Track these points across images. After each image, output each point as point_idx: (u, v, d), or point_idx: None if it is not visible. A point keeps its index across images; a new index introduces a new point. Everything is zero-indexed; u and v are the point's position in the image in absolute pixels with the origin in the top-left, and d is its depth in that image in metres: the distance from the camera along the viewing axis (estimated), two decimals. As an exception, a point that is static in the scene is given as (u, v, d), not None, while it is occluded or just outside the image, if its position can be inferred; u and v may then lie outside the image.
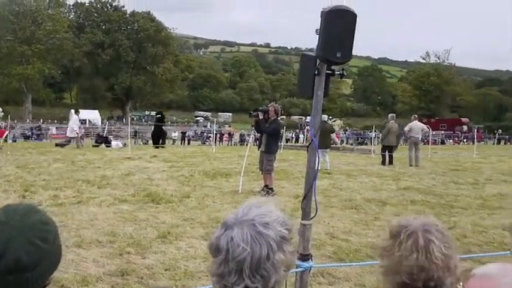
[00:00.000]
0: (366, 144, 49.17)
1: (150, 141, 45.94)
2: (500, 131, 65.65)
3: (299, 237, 3.80)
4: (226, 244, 1.68)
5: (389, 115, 21.37)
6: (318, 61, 3.78)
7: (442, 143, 60.06)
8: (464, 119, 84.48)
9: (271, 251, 1.69)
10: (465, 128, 78.48)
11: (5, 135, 24.46)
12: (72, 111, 26.24)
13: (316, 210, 3.89)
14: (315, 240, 7.60)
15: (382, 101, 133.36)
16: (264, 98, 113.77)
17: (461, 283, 1.86)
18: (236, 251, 1.66)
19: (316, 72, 3.78)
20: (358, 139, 58.85)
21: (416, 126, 20.76)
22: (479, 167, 19.15)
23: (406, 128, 21.40)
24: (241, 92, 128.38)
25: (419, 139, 20.56)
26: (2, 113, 28.01)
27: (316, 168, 3.79)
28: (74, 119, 25.52)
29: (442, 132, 70.13)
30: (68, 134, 25.83)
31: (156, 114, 29.99)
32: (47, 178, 12.89)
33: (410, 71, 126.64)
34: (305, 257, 3.79)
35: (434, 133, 53.93)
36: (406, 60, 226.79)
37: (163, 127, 29.36)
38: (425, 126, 21.10)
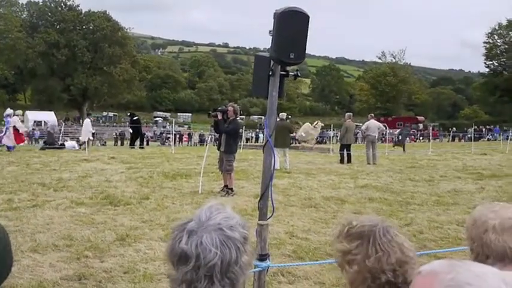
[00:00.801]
0: (325, 142, 49.65)
1: (109, 143, 45.34)
2: (454, 128, 67.23)
3: (257, 238, 3.83)
4: (196, 250, 1.65)
5: (347, 114, 21.69)
6: (271, 62, 3.81)
7: (398, 140, 61.16)
8: (419, 117, 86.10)
9: (239, 253, 1.70)
10: (421, 126, 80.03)
11: None
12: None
13: (273, 211, 3.92)
14: (275, 239, 7.67)
15: (340, 100, 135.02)
16: (224, 98, 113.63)
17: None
18: (208, 256, 1.65)
19: (270, 73, 3.81)
20: (317, 138, 59.26)
21: (373, 125, 21.09)
22: (435, 164, 19.61)
23: (363, 127, 21.73)
24: (201, 92, 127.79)
25: (376, 137, 20.88)
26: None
27: (272, 168, 3.82)
28: (87, 123, 25.55)
29: (398, 130, 71.53)
30: (83, 138, 25.46)
31: (131, 115, 30.07)
32: (0, 182, 12.58)
33: (367, 70, 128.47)
34: (263, 257, 3.82)
35: (390, 131, 54.85)
36: (363, 60, 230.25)
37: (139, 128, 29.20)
38: (381, 125, 21.50)
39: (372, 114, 22.30)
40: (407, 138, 65.35)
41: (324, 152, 29.32)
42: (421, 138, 64.88)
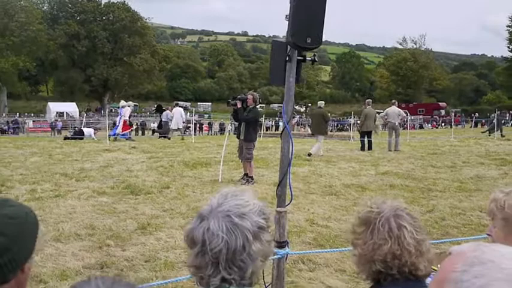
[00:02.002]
0: (346, 130, 49.40)
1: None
2: (477, 114, 66.56)
3: (275, 225, 3.81)
4: (202, 235, 1.68)
5: (366, 101, 21.54)
6: (288, 47, 3.76)
7: (421, 127, 60.58)
8: (442, 104, 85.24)
9: (247, 242, 1.69)
10: (443, 112, 79.20)
11: None
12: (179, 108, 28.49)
13: (291, 198, 3.89)
14: (295, 227, 7.67)
15: (360, 87, 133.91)
16: (243, 87, 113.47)
17: (438, 265, 1.89)
18: (213, 242, 1.66)
19: (287, 59, 3.77)
20: (337, 125, 59.01)
21: (392, 112, 20.92)
22: (457, 150, 19.38)
23: (382, 114, 21.58)
24: (220, 81, 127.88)
25: (396, 124, 20.68)
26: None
27: (290, 154, 3.79)
28: (178, 111, 27.56)
29: (421, 117, 70.70)
30: (174, 126, 27.30)
31: (158, 107, 31.03)
32: (23, 172, 12.74)
33: (387, 56, 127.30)
34: (281, 244, 3.80)
35: (412, 118, 54.28)
36: (383, 46, 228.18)
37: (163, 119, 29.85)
38: (402, 111, 21.16)
39: (395, 101, 22.07)
40: (429, 125, 64.81)
41: (344, 139, 29.17)
42: (443, 124, 64.22)
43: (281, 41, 3.92)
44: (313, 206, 9.22)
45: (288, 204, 3.90)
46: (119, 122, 25.50)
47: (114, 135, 24.68)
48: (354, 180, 12.08)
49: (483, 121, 62.52)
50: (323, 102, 19.77)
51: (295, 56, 3.85)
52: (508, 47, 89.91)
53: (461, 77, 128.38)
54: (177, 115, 27.33)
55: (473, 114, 65.00)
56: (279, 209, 3.85)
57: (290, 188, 3.80)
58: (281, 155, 3.88)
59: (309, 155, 17.18)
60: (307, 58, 3.98)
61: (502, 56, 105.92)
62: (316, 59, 4.10)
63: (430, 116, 72.43)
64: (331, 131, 51.31)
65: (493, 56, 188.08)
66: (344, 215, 8.54)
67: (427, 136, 31.14)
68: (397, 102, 22.11)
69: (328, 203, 9.53)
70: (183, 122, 29.21)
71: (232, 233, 1.67)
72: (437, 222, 8.04)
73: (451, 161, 15.67)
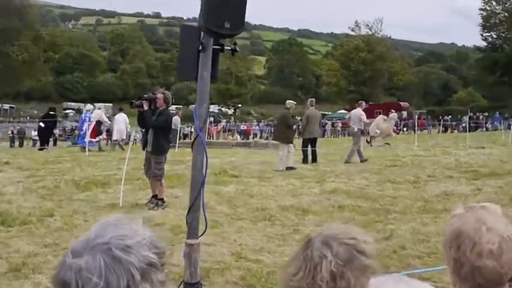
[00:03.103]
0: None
1: (3, 143, 44.41)
2: (446, 116, 68.58)
3: (185, 262, 3.76)
4: (74, 277, 1.59)
5: (309, 100, 21.79)
6: (201, 33, 3.73)
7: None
8: (403, 103, 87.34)
9: (133, 283, 1.63)
10: (404, 114, 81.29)
11: None
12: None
13: (206, 225, 3.85)
14: (217, 263, 7.63)
15: (303, 83, 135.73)
16: (154, 83, 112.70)
17: None
18: (87, 285, 1.59)
19: (200, 48, 3.73)
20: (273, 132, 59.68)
21: (354, 115, 21.39)
22: (421, 162, 19.93)
23: (347, 116, 22.18)
24: (124, 76, 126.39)
25: (355, 130, 21.11)
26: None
27: (204, 170, 3.76)
28: (122, 118, 28.75)
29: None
30: (116, 136, 28.81)
31: (49, 110, 31.53)
32: None
33: (337, 45, 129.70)
34: (192, 287, 3.75)
35: (368, 121, 55.55)
36: (332, 33, 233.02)
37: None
38: (363, 115, 21.51)
39: (361, 102, 22.65)
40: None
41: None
42: (404, 129, 66.05)
43: (192, 26, 3.88)
44: (242, 235, 9.22)
45: (202, 234, 3.85)
46: (85, 129, 26.92)
47: (83, 143, 26.02)
48: (294, 200, 12.19)
49: (453, 125, 64.71)
50: (292, 102, 20.01)
51: (211, 44, 3.82)
52: (481, 35, 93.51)
53: (426, 71, 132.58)
54: (120, 124, 28.15)
55: (441, 117, 67.00)
56: (189, 240, 3.81)
57: (204, 212, 3.76)
58: (192, 171, 3.84)
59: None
60: (226, 47, 3.96)
61: (474, 46, 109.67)
62: (238, 49, 4.09)
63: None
64: (266, 138, 51.90)
65: (464, 45, 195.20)
66: (280, 245, 8.58)
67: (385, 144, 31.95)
68: (364, 104, 22.45)
69: (261, 230, 9.56)
70: (127, 132, 30.15)
71: (113, 272, 1.61)
72: (395, 251, 8.19)
73: (413, 175, 16.07)
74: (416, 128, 38.13)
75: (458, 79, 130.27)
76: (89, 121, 27.22)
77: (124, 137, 28.75)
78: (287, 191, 13.57)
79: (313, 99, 21.92)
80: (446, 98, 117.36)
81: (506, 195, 12.56)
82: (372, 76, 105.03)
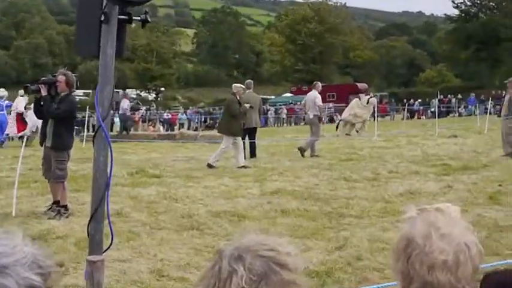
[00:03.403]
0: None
1: None
2: (412, 100, 69.20)
3: (86, 283, 3.71)
4: None
5: (246, 82, 21.74)
6: (104, 1, 3.67)
7: (331, 120, 62.28)
8: (361, 85, 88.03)
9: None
10: (362, 97, 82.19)
11: None
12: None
13: (112, 238, 3.80)
14: (134, 283, 7.58)
15: (241, 61, 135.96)
16: (57, 62, 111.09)
17: None
18: None
19: (102, 19, 3.67)
20: (205, 121, 59.60)
21: (309, 98, 21.52)
22: (381, 155, 20.21)
23: (303, 101, 22.29)
24: (19, 54, 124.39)
25: (311, 117, 21.21)
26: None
27: (109, 169, 3.71)
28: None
29: (331, 105, 72.88)
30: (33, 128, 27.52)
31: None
32: None
33: (281, 15, 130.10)
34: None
35: (323, 105, 55.67)
36: (274, 0, 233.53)
37: None
38: (318, 98, 21.47)
39: (317, 82, 22.52)
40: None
41: (215, 141, 29.40)
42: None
43: (92, -9, 3.82)
44: (163, 248, 9.17)
45: (107, 249, 3.81)
46: (8, 119, 27.02)
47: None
48: (227, 205, 12.19)
49: (421, 110, 65.61)
50: (239, 85, 19.70)
51: (115, 14, 3.76)
52: (453, 1, 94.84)
53: (388, 46, 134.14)
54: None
55: (406, 100, 67.80)
56: (92, 257, 3.75)
57: (109, 223, 3.71)
58: (94, 171, 3.78)
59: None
60: (135, 18, 3.92)
61: (445, 15, 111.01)
62: (149, 18, 4.04)
63: (344, 104, 74.74)
64: (195, 129, 51.85)
65: (432, 14, 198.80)
66: (210, 259, 8.53)
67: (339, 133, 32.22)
68: (320, 85, 22.34)
69: (187, 242, 9.53)
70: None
71: None
72: (350, 263, 8.27)
73: (372, 171, 16.29)
74: (376, 115, 38.19)
75: (426, 55, 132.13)
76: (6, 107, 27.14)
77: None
78: (219, 193, 13.56)
79: (251, 81, 21.82)
80: (412, 78, 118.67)
81: (481, 193, 12.82)
82: (323, 52, 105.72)
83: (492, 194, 12.52)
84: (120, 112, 33.47)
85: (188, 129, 53.81)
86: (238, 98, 18.95)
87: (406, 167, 16.87)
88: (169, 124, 58.88)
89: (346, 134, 31.36)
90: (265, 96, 74.60)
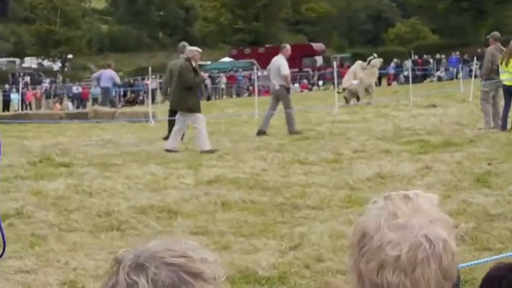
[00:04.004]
0: (142, 102, 49.87)
1: None
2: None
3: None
4: None
5: (180, 45, 21.74)
6: None
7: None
8: (316, 45, 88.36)
9: None
10: (319, 60, 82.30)
11: None
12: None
13: (4, 246, 3.73)
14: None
15: (166, 20, 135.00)
16: None
17: None
18: None
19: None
20: (125, 94, 59.19)
21: (272, 65, 21.52)
22: (344, 131, 20.29)
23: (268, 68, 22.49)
24: None
25: (277, 88, 21.22)
26: None
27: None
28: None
29: (280, 70, 73.21)
30: None
31: None
32: None
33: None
34: None
35: (288, 74, 55.45)
36: None
37: None
38: (283, 65, 21.43)
39: (285, 45, 22.49)
40: (296, 84, 67.25)
41: (138, 119, 29.27)
42: (320, 82, 66.90)
43: None
44: (77, 254, 9.11)
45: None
46: None
47: None
48: (155, 198, 12.13)
49: (391, 74, 65.89)
50: (194, 48, 19.48)
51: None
52: None
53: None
54: None
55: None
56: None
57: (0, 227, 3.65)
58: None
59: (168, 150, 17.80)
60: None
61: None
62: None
63: (297, 70, 74.88)
64: (112, 104, 51.52)
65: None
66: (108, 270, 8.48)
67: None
68: (288, 48, 22.31)
69: (106, 246, 9.47)
70: None
71: None
72: (308, 265, 8.30)
73: (333, 151, 16.36)
74: (336, 81, 38.18)
75: (396, 6, 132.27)
76: None
77: None
78: (145, 184, 13.49)
79: (184, 44, 21.76)
80: (379, 35, 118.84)
81: (466, 174, 12.93)
82: (267, 5, 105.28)
83: (480, 175, 12.66)
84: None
85: (104, 105, 53.32)
86: (194, 64, 18.73)
87: (374, 145, 16.95)
88: (79, 100, 58.17)
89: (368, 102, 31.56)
90: (199, 62, 74.36)
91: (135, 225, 10.45)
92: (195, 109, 18.37)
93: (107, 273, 2.00)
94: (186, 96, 18.32)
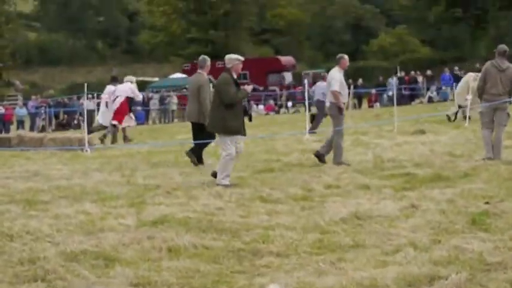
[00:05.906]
0: (78, 126, 49.87)
1: None
2: (360, 80, 68.97)
3: None
4: None
5: (200, 59, 21.95)
6: None
7: (245, 113, 62.47)
8: (285, 59, 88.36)
9: None
10: (288, 77, 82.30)
11: None
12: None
13: None
14: None
15: (107, 28, 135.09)
16: None
17: None
18: None
19: None
20: (56, 116, 59.03)
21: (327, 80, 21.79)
22: (316, 162, 20.28)
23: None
24: None
25: (327, 104, 21.44)
26: None
27: None
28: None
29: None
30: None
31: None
32: None
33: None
34: None
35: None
36: None
37: None
38: (335, 78, 21.34)
39: (345, 56, 22.11)
40: (261, 106, 67.26)
41: (70, 147, 29.16)
42: (289, 103, 66.97)
43: None
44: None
45: None
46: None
47: None
48: (89, 242, 11.94)
49: (373, 94, 65.90)
50: (235, 56, 18.55)
51: None
52: None
53: (324, 1, 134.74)
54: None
55: (351, 80, 67.74)
56: None
57: None
58: None
59: None
60: None
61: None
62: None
63: (262, 88, 74.84)
64: (41, 128, 51.40)
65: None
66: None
67: (254, 131, 32.22)
68: (347, 59, 21.58)
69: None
70: None
71: None
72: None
73: (302, 186, 16.40)
74: (307, 102, 38.01)
75: (379, 13, 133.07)
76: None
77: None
78: (77, 225, 13.41)
79: (205, 57, 22.03)
80: (359, 47, 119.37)
81: (460, 214, 12.93)
82: (228, 13, 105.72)
83: (476, 216, 12.62)
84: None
85: (31, 130, 53.15)
86: (234, 76, 18.07)
87: (351, 180, 16.99)
88: (1, 123, 57.97)
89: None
90: (145, 78, 74.05)
91: (64, 275, 10.34)
92: (238, 131, 17.92)
93: None
94: (224, 116, 17.64)
